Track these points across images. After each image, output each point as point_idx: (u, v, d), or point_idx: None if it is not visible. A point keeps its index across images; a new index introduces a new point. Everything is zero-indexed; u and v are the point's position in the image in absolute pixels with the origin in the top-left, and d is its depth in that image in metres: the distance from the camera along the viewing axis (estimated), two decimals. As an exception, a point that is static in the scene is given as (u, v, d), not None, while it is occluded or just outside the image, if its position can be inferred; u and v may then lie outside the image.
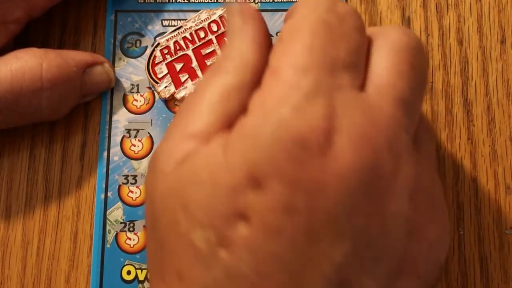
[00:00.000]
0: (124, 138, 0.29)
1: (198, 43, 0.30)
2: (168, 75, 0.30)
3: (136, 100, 0.30)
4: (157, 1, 0.31)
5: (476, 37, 0.30)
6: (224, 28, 0.30)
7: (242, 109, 0.20)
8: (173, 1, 0.31)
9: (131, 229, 0.28)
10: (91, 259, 0.28)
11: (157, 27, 0.31)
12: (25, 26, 0.28)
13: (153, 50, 0.30)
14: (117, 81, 0.30)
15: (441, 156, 0.29)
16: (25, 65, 0.26)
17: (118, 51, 0.30)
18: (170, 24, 0.31)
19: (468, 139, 0.29)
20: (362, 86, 0.20)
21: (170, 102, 0.30)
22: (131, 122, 0.30)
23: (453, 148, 0.29)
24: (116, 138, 0.29)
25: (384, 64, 0.21)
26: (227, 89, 0.21)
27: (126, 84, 0.30)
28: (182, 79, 0.30)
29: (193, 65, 0.30)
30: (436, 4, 0.31)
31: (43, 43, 0.31)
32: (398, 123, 0.20)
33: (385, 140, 0.19)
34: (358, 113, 0.19)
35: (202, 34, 0.30)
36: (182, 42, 0.30)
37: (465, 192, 0.28)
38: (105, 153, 0.29)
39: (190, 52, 0.30)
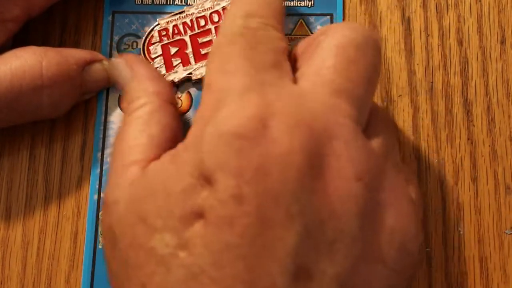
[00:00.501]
0: None
1: (197, 31, 0.30)
2: (161, 57, 0.30)
3: None
4: (155, 2, 0.31)
5: (476, 37, 0.30)
6: None
7: (166, 131, 0.23)
8: (170, 2, 0.31)
9: None
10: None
11: None
12: (24, 25, 0.28)
13: (152, 30, 0.30)
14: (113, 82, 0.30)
15: (441, 156, 0.29)
16: (24, 63, 0.26)
17: (115, 52, 0.30)
18: None
19: (468, 139, 0.29)
20: (296, 81, 0.22)
21: None
22: None
23: (453, 148, 0.29)
24: (110, 139, 0.29)
25: (322, 59, 0.22)
26: (143, 119, 0.24)
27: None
28: (174, 63, 0.29)
29: (187, 51, 0.30)
30: (436, 4, 0.31)
31: (43, 43, 0.31)
32: (336, 108, 0.21)
33: (322, 122, 0.20)
34: (291, 101, 0.20)
35: (202, 22, 0.30)
36: (181, 27, 0.30)
37: (465, 192, 0.29)
38: (99, 154, 0.29)
39: (187, 38, 0.30)
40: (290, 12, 0.30)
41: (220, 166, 0.19)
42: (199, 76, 0.29)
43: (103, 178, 0.29)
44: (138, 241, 0.20)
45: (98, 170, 0.29)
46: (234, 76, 0.21)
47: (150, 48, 0.30)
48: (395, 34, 0.30)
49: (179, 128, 0.25)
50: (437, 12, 0.30)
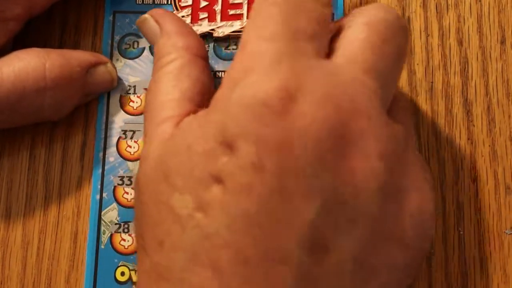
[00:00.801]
0: (120, 139, 0.29)
1: None
2: (190, 8, 0.30)
3: (133, 101, 0.30)
4: (156, 2, 0.31)
5: (476, 37, 0.30)
6: None
7: (197, 85, 0.23)
8: (171, 2, 0.31)
9: (125, 230, 0.28)
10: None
11: None
12: (24, 25, 0.28)
13: None
14: None
15: (441, 156, 0.29)
16: (28, 65, 0.26)
17: (116, 52, 0.30)
18: None
19: (468, 139, 0.29)
20: (329, 56, 0.21)
21: None
22: (128, 123, 0.30)
23: (453, 148, 0.29)
24: (112, 139, 0.29)
25: (355, 36, 0.22)
26: (174, 74, 0.24)
27: (123, 85, 0.30)
28: (201, 16, 0.30)
29: (216, 8, 0.30)
30: (436, 4, 0.31)
31: (43, 43, 0.31)
32: (366, 86, 0.21)
33: (351, 99, 0.20)
34: (322, 75, 0.20)
35: None
36: None
37: (465, 192, 0.29)
38: (101, 154, 0.29)
39: None
40: None
41: (243, 133, 0.19)
42: (220, 34, 0.29)
43: (105, 178, 0.29)
44: (159, 197, 0.21)
45: (100, 170, 0.29)
46: (270, 41, 0.20)
47: None
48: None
49: (210, 81, 0.25)
50: (437, 12, 0.30)
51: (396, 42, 0.22)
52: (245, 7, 0.30)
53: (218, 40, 0.30)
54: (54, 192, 0.29)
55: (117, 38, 0.30)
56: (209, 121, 0.20)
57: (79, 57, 0.28)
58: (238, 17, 0.30)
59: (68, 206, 0.29)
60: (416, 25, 0.30)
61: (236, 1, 0.30)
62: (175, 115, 0.23)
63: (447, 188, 0.29)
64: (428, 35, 0.30)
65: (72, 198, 0.29)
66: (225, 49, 0.30)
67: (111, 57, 0.30)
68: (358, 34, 0.22)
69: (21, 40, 0.30)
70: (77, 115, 0.30)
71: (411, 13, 0.30)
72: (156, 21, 0.26)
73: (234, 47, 0.30)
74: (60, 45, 0.31)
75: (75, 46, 0.30)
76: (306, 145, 0.19)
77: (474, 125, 0.29)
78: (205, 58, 0.26)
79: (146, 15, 0.27)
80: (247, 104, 0.19)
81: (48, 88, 0.26)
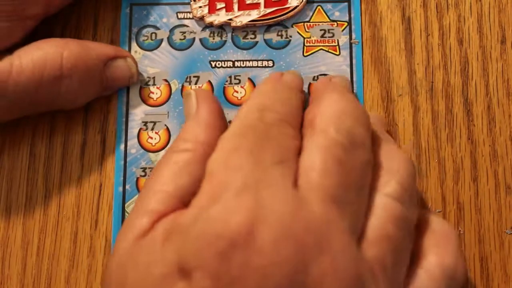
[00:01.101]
0: (141, 131, 0.30)
1: None
2: None
3: (153, 93, 0.30)
4: None
5: (476, 37, 0.30)
6: None
7: (194, 184, 0.23)
8: None
9: None
10: (91, 259, 0.28)
11: (172, 20, 0.31)
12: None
13: None
14: None
15: (442, 156, 0.29)
16: (46, 54, 0.26)
17: (134, 44, 0.30)
18: (185, 17, 0.31)
19: (468, 138, 0.29)
20: (295, 181, 0.21)
21: (185, 91, 0.30)
22: (148, 115, 0.30)
23: (453, 148, 0.29)
24: (133, 131, 0.29)
25: (312, 160, 0.22)
26: (179, 166, 0.24)
27: (142, 77, 0.30)
28: (218, 6, 0.30)
29: None
30: (436, 3, 0.31)
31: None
32: (329, 220, 0.20)
33: (314, 235, 0.19)
34: (285, 207, 0.20)
35: None
36: None
37: (465, 192, 0.29)
38: (122, 146, 0.29)
39: None
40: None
41: (200, 264, 0.19)
42: (238, 24, 0.30)
43: (127, 170, 0.29)
44: None
45: (122, 162, 0.29)
46: (236, 171, 0.21)
47: None
48: (395, 34, 0.30)
49: None
50: (437, 12, 0.30)
51: (354, 162, 0.22)
52: None
53: (236, 29, 0.30)
54: (54, 192, 0.29)
55: (134, 30, 0.31)
56: (171, 244, 0.20)
57: (98, 48, 0.28)
58: (256, 6, 0.30)
59: (68, 206, 0.29)
60: (417, 25, 0.30)
61: None
62: (158, 210, 0.23)
63: (447, 188, 0.29)
64: (429, 35, 0.30)
65: (72, 198, 0.29)
66: (243, 38, 0.30)
67: (129, 49, 0.30)
68: (314, 157, 0.22)
69: (23, 39, 0.30)
70: (77, 114, 0.30)
71: (411, 12, 0.30)
72: (197, 101, 0.26)
73: (252, 36, 0.30)
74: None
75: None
76: (261, 284, 0.18)
77: (474, 125, 0.29)
78: None
79: (191, 91, 0.27)
80: (206, 235, 0.19)
81: (64, 76, 0.26)
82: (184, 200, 0.23)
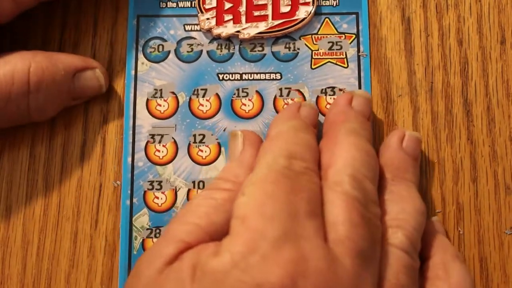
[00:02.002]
0: (148, 144, 0.29)
1: None
2: (215, 10, 0.30)
3: (160, 105, 0.30)
4: (179, 5, 0.31)
5: (476, 37, 0.30)
6: None
7: (227, 224, 0.23)
8: (195, 5, 0.30)
9: (157, 235, 0.28)
10: (91, 259, 0.28)
11: (179, 32, 0.30)
12: (24, 25, 0.28)
13: None
14: (140, 85, 0.30)
15: (441, 156, 0.29)
16: (13, 68, 0.26)
17: (141, 56, 0.30)
18: (193, 29, 0.30)
19: (468, 139, 0.29)
20: (324, 234, 0.22)
21: (193, 103, 0.30)
22: (155, 127, 0.29)
23: (453, 148, 0.29)
24: (140, 144, 0.29)
25: (337, 214, 0.22)
26: (217, 202, 0.24)
27: (149, 89, 0.30)
28: (225, 18, 0.30)
29: (240, 10, 0.30)
30: (436, 4, 0.31)
31: (43, 42, 0.31)
32: (359, 278, 0.21)
33: None
34: (322, 263, 0.20)
35: None
36: None
37: (465, 192, 0.29)
38: (129, 159, 0.29)
39: None
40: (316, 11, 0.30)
41: None
42: (246, 36, 0.30)
43: (135, 183, 0.29)
44: None
45: (129, 175, 0.29)
46: (272, 221, 0.21)
47: None
48: (395, 34, 0.30)
49: None
50: (437, 12, 0.30)
51: (371, 208, 0.23)
52: (269, 7, 0.30)
53: (243, 41, 0.30)
54: (54, 192, 0.29)
55: (141, 41, 0.30)
56: (202, 285, 0.21)
57: (66, 60, 0.28)
58: (263, 18, 0.30)
59: (68, 206, 0.29)
60: (416, 25, 0.30)
61: (260, 2, 0.30)
62: (187, 241, 0.23)
63: (447, 188, 0.29)
64: (428, 35, 0.30)
65: (72, 198, 0.29)
66: (250, 51, 0.30)
67: (136, 60, 0.30)
68: (339, 212, 0.22)
69: (22, 39, 0.30)
70: (77, 115, 0.30)
71: (411, 13, 0.30)
72: (243, 144, 0.27)
73: (260, 48, 0.30)
74: (60, 45, 0.31)
75: (75, 46, 0.30)
76: None
77: (474, 125, 0.29)
78: None
79: (239, 132, 0.27)
80: (245, 286, 0.19)
81: (31, 91, 0.26)
82: (213, 237, 0.23)
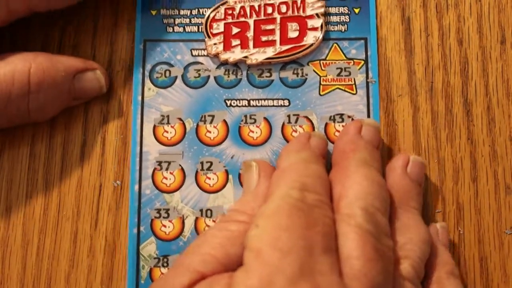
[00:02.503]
0: (156, 171, 0.29)
1: (262, 17, 0.30)
2: (222, 35, 0.30)
3: (167, 132, 0.29)
4: (186, 30, 0.30)
5: (476, 37, 0.30)
6: (292, 13, 0.30)
7: (242, 256, 0.22)
8: (202, 30, 0.30)
9: (164, 264, 0.28)
10: (91, 259, 0.28)
11: (186, 57, 0.30)
12: (24, 27, 0.28)
13: (218, 7, 0.30)
14: (147, 111, 0.29)
15: (441, 156, 0.29)
16: (14, 69, 0.26)
17: (147, 81, 0.30)
18: (200, 54, 0.30)
19: (468, 139, 0.29)
20: (339, 269, 0.22)
21: (200, 130, 0.29)
22: (162, 154, 0.29)
23: (453, 148, 0.29)
24: (147, 171, 0.29)
25: (351, 248, 0.22)
26: (233, 234, 0.24)
27: (156, 115, 0.29)
28: (233, 43, 0.30)
29: (248, 35, 0.30)
30: (436, 4, 0.31)
31: (42, 45, 0.31)
32: None
33: None
34: None
35: (269, 10, 0.30)
36: (248, 10, 0.30)
37: (465, 192, 0.28)
38: (136, 186, 0.29)
39: (251, 22, 0.30)
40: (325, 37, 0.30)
41: None
42: (253, 61, 0.29)
43: (142, 211, 0.29)
44: None
45: (136, 203, 0.29)
46: (288, 255, 0.21)
47: (213, 24, 0.30)
48: (395, 34, 0.30)
49: None
50: (437, 12, 0.30)
51: (383, 241, 0.23)
52: (277, 33, 0.30)
53: (251, 67, 0.30)
54: (54, 192, 0.29)
55: (148, 66, 0.30)
56: None
57: (66, 62, 0.28)
58: (271, 43, 0.30)
59: (68, 206, 0.29)
60: (416, 25, 0.30)
61: (268, 27, 0.30)
62: (201, 271, 0.23)
63: (447, 188, 0.29)
64: (428, 35, 0.30)
65: (72, 198, 0.29)
66: (258, 76, 0.30)
67: (142, 85, 0.30)
68: (352, 245, 0.22)
69: (22, 41, 0.30)
70: (77, 115, 0.30)
71: (411, 13, 0.30)
72: (258, 176, 0.26)
73: (268, 74, 0.30)
74: (60, 47, 0.31)
75: (75, 48, 0.31)
76: None
77: (474, 125, 0.29)
78: None
79: (253, 163, 0.27)
80: None
81: (31, 91, 0.26)
82: (228, 268, 0.23)
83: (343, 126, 0.29)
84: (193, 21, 0.30)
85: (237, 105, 0.30)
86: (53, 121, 0.30)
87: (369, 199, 0.24)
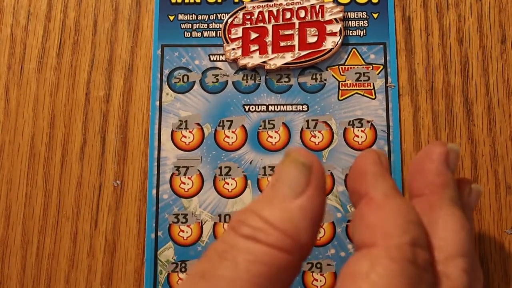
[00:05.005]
0: (174, 176, 0.29)
1: (281, 22, 0.30)
2: (240, 40, 0.30)
3: (185, 137, 0.29)
4: (204, 35, 0.30)
5: (476, 36, 0.30)
6: (311, 18, 0.30)
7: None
8: (220, 35, 0.30)
9: (183, 269, 0.28)
10: (91, 259, 0.28)
11: (204, 62, 0.30)
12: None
13: (236, 12, 0.30)
14: (165, 117, 0.29)
15: (442, 155, 0.29)
16: None
17: (165, 86, 0.30)
18: (218, 59, 0.30)
19: (469, 138, 0.29)
20: None
21: (218, 135, 0.29)
22: (180, 159, 0.29)
23: (454, 148, 0.29)
24: (165, 176, 0.29)
25: None
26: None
27: (174, 120, 0.29)
28: (251, 49, 0.30)
29: (266, 40, 0.30)
30: (436, 3, 0.31)
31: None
32: None
33: None
34: None
35: (288, 15, 0.30)
36: (266, 15, 0.30)
37: (466, 192, 0.28)
38: (154, 191, 0.29)
39: (269, 27, 0.30)
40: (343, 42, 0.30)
41: None
42: (272, 67, 0.29)
43: (160, 216, 0.29)
44: None
45: (154, 208, 0.29)
46: None
47: (231, 29, 0.30)
48: (396, 34, 0.30)
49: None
50: (437, 12, 0.30)
51: None
52: (296, 38, 0.30)
53: (269, 72, 0.30)
54: (54, 192, 0.29)
55: (166, 72, 0.30)
56: None
57: None
58: (290, 48, 0.29)
59: (68, 206, 0.29)
60: (417, 25, 0.30)
61: (287, 33, 0.30)
62: None
63: (447, 188, 0.29)
64: (429, 35, 0.30)
65: (72, 197, 0.29)
66: (277, 82, 0.30)
67: (160, 91, 0.30)
68: None
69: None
70: (77, 114, 0.30)
71: (412, 12, 0.30)
72: (308, 181, 0.19)
73: (286, 79, 0.30)
74: (60, 44, 0.31)
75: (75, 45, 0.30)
76: None
77: (474, 125, 0.29)
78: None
79: (304, 160, 0.19)
80: None
81: None
82: None
83: (362, 131, 0.29)
84: (211, 26, 0.30)
85: (255, 110, 0.30)
86: (53, 121, 0.30)
87: (469, 257, 0.20)
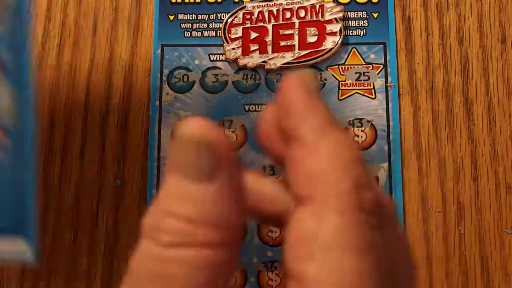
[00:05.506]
0: None
1: (281, 22, 0.30)
2: (240, 40, 0.30)
3: None
4: (204, 35, 0.30)
5: (476, 36, 0.30)
6: (311, 18, 0.30)
7: None
8: (220, 35, 0.30)
9: None
10: (91, 259, 0.28)
11: (204, 62, 0.30)
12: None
13: (236, 11, 0.30)
14: (165, 116, 0.29)
15: (442, 155, 0.29)
16: None
17: (165, 86, 0.30)
18: (218, 59, 0.30)
19: (469, 138, 0.29)
20: None
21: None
22: None
23: (454, 147, 0.29)
24: (165, 176, 0.29)
25: None
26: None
27: (174, 120, 0.29)
28: (251, 48, 0.30)
29: (266, 40, 0.30)
30: (436, 3, 0.30)
31: (43, 43, 0.31)
32: None
33: None
34: None
35: (288, 15, 0.30)
36: (266, 15, 0.30)
37: (466, 192, 0.28)
38: (154, 191, 0.29)
39: (269, 27, 0.30)
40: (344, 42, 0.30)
41: None
42: (272, 66, 0.29)
43: None
44: None
45: None
46: None
47: (231, 29, 0.30)
48: (396, 33, 0.30)
49: None
50: (437, 11, 0.30)
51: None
52: (296, 37, 0.30)
53: (270, 72, 0.30)
54: (54, 192, 0.29)
55: (166, 71, 0.30)
56: None
57: None
58: (290, 48, 0.30)
59: (68, 206, 0.29)
60: (417, 24, 0.30)
61: (287, 32, 0.30)
62: None
63: (447, 188, 0.28)
64: (429, 34, 0.30)
65: (72, 197, 0.29)
66: (277, 81, 0.30)
67: (160, 91, 0.30)
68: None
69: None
70: (77, 114, 0.30)
71: (412, 12, 0.30)
72: (212, 164, 0.15)
73: None
74: (60, 44, 0.31)
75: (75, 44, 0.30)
76: None
77: (474, 124, 0.29)
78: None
79: (200, 137, 0.15)
80: None
81: None
82: None
83: (362, 130, 0.29)
84: (211, 26, 0.30)
85: (255, 110, 0.30)
86: (53, 121, 0.30)
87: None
